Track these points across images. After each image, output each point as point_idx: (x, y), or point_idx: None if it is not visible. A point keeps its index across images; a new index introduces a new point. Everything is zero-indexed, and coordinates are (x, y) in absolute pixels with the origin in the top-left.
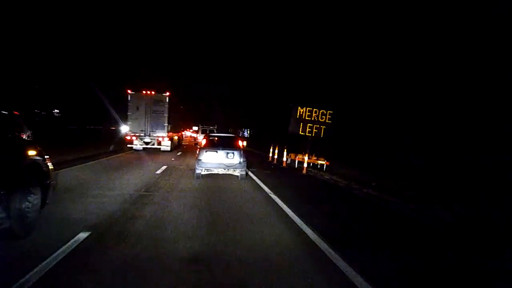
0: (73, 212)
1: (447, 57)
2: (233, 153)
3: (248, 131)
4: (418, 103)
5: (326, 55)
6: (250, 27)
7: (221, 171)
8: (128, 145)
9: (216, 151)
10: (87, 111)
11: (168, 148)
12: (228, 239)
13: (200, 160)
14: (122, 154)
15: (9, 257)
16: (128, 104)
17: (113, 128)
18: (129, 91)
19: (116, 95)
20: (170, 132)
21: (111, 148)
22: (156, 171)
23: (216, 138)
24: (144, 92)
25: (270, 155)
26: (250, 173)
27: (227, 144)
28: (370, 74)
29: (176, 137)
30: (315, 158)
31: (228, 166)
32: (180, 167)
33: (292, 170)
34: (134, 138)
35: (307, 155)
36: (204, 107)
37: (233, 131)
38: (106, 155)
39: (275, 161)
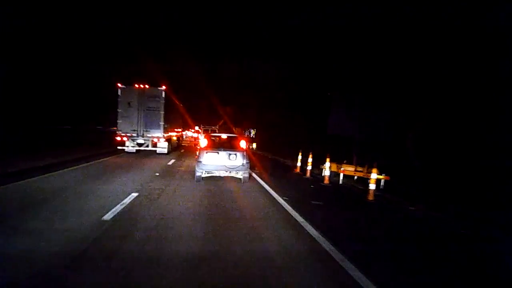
0: None
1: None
2: (235, 154)
3: (254, 131)
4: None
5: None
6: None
7: (222, 173)
8: (119, 147)
9: (218, 152)
10: (79, 109)
11: (165, 150)
12: None
13: (200, 162)
14: (105, 159)
15: None
16: (118, 99)
17: (115, 128)
18: (119, 85)
19: (108, 91)
20: (167, 131)
21: None
22: (111, 209)
23: (217, 139)
24: (136, 85)
25: (299, 164)
26: (294, 213)
27: (229, 145)
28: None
29: (174, 138)
30: (367, 170)
31: (230, 168)
32: (163, 193)
33: (350, 194)
34: (125, 138)
35: (366, 168)
36: (205, 106)
37: (238, 130)
38: (84, 160)
39: (308, 174)
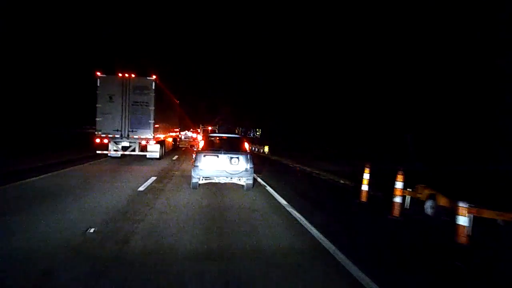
0: None
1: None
2: (237, 157)
3: (259, 132)
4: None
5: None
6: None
7: (223, 179)
8: (98, 151)
9: (217, 156)
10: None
11: (157, 155)
12: None
13: (197, 166)
14: (61, 171)
15: None
16: (97, 92)
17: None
18: (98, 74)
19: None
20: (158, 132)
21: None
22: None
23: (217, 140)
24: (119, 74)
25: (365, 188)
26: None
27: (230, 147)
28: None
29: (170, 139)
30: None
31: (232, 174)
32: None
33: None
34: (106, 141)
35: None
36: (205, 106)
37: (244, 131)
38: (20, 176)
39: (396, 211)
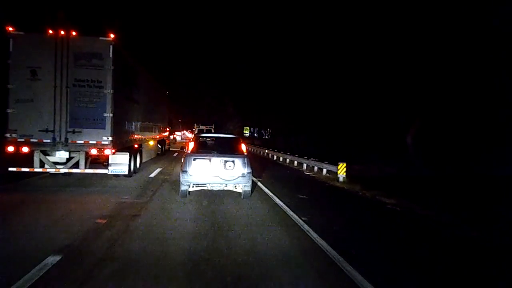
0: None
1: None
2: (233, 161)
3: (269, 132)
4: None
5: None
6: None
7: (216, 186)
8: (12, 169)
9: (209, 159)
10: None
11: (124, 170)
12: None
13: (186, 172)
14: None
15: None
16: (9, 62)
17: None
18: (10, 29)
19: None
20: (123, 132)
21: None
22: None
23: (209, 140)
24: (50, 31)
25: None
26: None
27: (225, 149)
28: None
29: (151, 142)
30: None
31: (226, 180)
32: None
33: None
34: (26, 149)
35: None
36: (205, 105)
37: (257, 131)
38: None
39: None
